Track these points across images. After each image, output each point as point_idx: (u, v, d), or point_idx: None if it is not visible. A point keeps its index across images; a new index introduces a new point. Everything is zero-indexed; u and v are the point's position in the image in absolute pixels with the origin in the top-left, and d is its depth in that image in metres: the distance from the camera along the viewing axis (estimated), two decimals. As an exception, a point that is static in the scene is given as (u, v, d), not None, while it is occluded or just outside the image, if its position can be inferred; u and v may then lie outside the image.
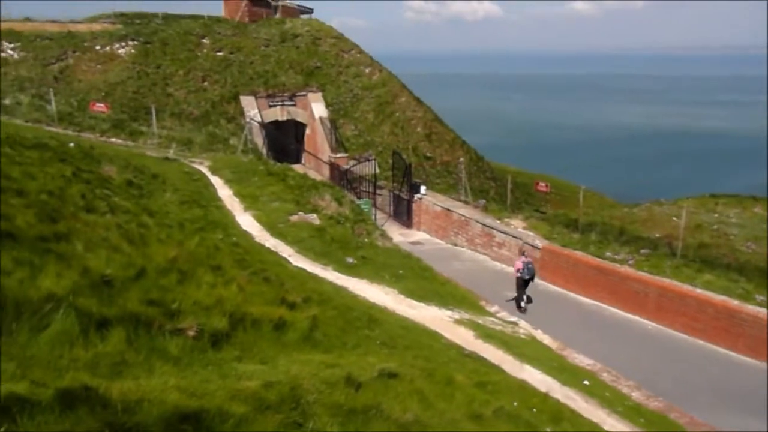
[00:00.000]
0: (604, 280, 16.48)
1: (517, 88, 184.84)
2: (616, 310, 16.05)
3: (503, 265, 20.09)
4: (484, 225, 21.17)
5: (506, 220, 21.52)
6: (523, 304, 15.64)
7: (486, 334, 11.28)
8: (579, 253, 17.59)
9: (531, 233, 19.78)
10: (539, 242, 18.85)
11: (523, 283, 15.53)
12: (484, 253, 21.13)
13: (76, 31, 32.38)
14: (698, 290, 14.47)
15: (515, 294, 15.89)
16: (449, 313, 12.42)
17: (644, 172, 68.69)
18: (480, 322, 12.36)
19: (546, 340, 12.52)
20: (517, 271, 15.43)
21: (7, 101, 25.13)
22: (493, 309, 14.45)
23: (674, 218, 20.27)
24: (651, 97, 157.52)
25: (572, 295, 17.39)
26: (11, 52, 29.94)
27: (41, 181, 9.52)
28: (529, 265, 15.35)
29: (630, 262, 16.45)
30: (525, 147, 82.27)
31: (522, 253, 16.23)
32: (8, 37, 30.26)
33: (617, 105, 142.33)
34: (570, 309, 16.41)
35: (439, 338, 10.09)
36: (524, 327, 13.19)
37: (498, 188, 34.71)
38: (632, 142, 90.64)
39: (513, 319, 13.80)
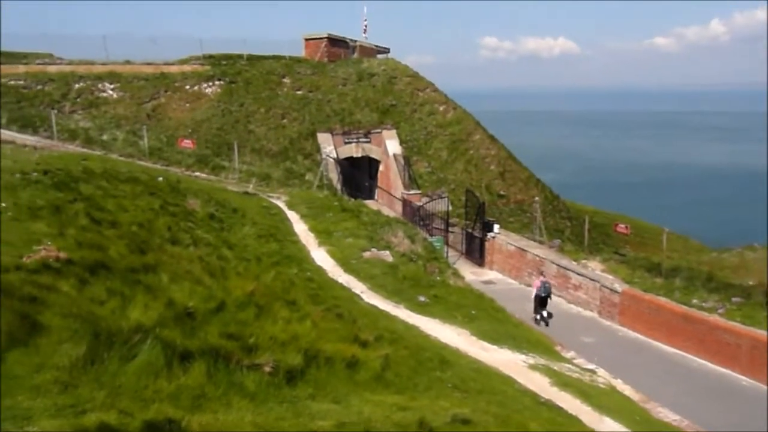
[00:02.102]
0: (690, 329, 15.51)
1: (594, 125, 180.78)
2: (704, 362, 15.02)
3: (579, 308, 19.36)
4: (559, 266, 20.54)
5: (583, 261, 20.80)
6: (540, 316, 17.73)
7: (562, 382, 10.80)
8: (663, 299, 16.70)
9: (610, 276, 19.00)
10: (619, 286, 18.05)
11: (540, 301, 17.67)
12: (559, 295, 20.43)
13: (168, 72, 34.57)
14: (798, 344, 13.36)
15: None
16: (523, 357, 12.01)
17: (733, 214, 64.76)
18: (556, 368, 11.87)
19: (627, 390, 11.84)
20: (536, 289, 17.63)
21: (104, 137, 26.99)
22: (569, 355, 13.88)
23: (769, 265, 18.95)
24: (736, 135, 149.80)
25: (655, 343, 16.46)
26: (111, 92, 32.28)
27: (132, 214, 10.08)
28: (546, 284, 17.64)
29: (720, 310, 15.44)
30: (602, 186, 79.77)
31: (540, 273, 19.11)
32: (109, 78, 32.69)
33: (700, 143, 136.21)
34: (653, 358, 15.50)
35: (512, 383, 9.74)
36: (603, 375, 12.54)
37: (574, 228, 33.70)
38: (718, 182, 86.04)
39: (591, 366, 13.16)
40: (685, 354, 15.55)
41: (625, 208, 50.14)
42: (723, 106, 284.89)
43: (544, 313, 17.83)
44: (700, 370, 14.74)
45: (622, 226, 24.79)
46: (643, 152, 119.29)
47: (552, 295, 18.13)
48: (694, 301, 16.26)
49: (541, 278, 18.10)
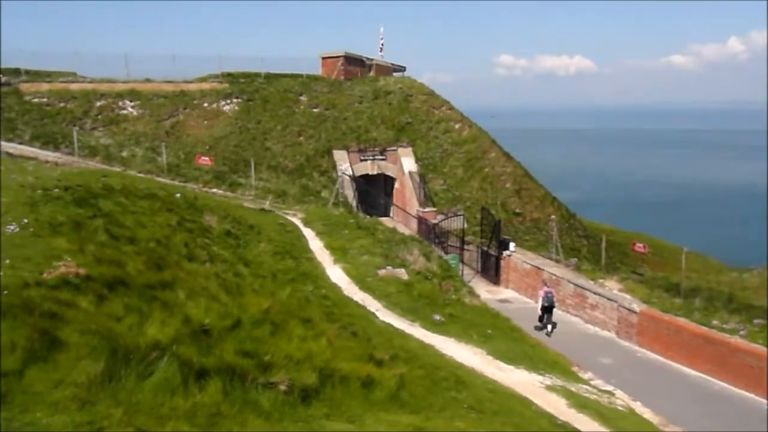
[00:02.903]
0: (711, 351, 15.21)
1: (611, 143, 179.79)
2: (725, 385, 14.70)
3: (597, 329, 19.10)
4: (576, 285, 20.33)
5: (600, 281, 20.56)
6: (549, 327, 18.18)
7: (580, 404, 10.63)
8: (682, 320, 16.42)
9: (627, 296, 18.75)
10: (637, 306, 17.80)
11: (545, 311, 18.13)
12: (576, 315, 20.21)
13: (187, 90, 35.12)
14: (823, 368, 13.05)
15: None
16: (540, 378, 11.86)
17: (753, 233, 63.68)
18: (573, 389, 11.70)
19: (646, 413, 11.61)
20: (541, 299, 18.18)
21: (124, 153, 27.38)
22: (586, 376, 13.67)
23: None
24: (756, 153, 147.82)
25: (674, 364, 16.16)
26: (131, 109, 32.84)
27: (150, 230, 10.18)
28: (549, 295, 18.11)
29: (742, 332, 15.13)
30: (619, 204, 78.99)
31: (544, 283, 19.29)
32: (130, 96, 33.29)
33: (718, 161, 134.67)
34: (672, 380, 15.21)
35: (529, 405, 9.62)
36: (622, 397, 12.33)
37: (590, 247, 33.38)
38: (738, 201, 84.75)
39: (609, 387, 12.95)
40: (706, 376, 15.24)
41: (642, 227, 49.58)
42: (743, 124, 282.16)
43: (548, 326, 18.31)
44: (722, 393, 14.43)
45: (640, 245, 24.50)
46: (661, 170, 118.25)
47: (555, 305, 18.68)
48: (715, 322, 15.95)
49: (545, 288, 18.53)
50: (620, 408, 11.59)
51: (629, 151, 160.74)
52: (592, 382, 13.16)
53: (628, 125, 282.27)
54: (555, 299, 18.54)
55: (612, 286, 19.97)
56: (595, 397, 11.79)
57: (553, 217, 30.29)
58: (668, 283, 19.74)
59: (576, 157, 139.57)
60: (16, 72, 31.98)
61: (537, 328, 18.27)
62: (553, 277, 21.34)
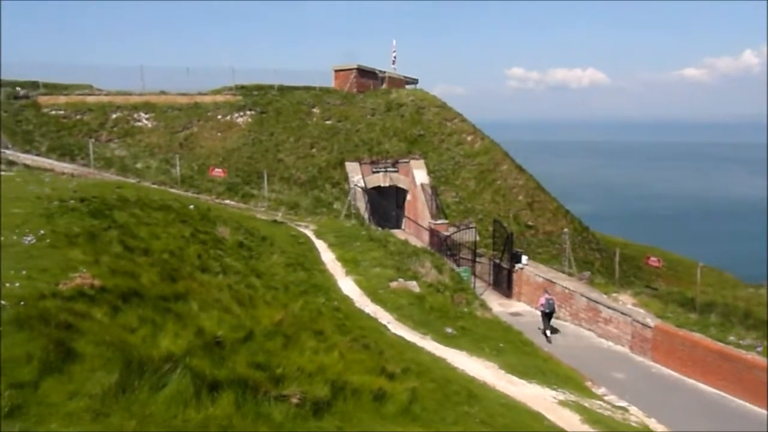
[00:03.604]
0: (727, 367, 14.99)
1: (624, 156, 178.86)
2: (742, 402, 14.47)
3: (610, 343, 18.91)
4: (589, 299, 20.16)
5: (614, 295, 20.38)
6: (548, 333, 18.88)
7: (593, 419, 10.51)
8: (697, 335, 16.21)
9: (642, 311, 18.57)
10: (651, 321, 17.61)
11: (545, 316, 18.90)
12: (589, 329, 20.02)
13: (201, 102, 35.49)
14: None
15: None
16: (552, 392, 11.75)
17: (771, 248, 62.91)
18: (586, 405, 11.57)
19: (661, 430, 11.46)
20: (541, 305, 19.02)
21: (138, 165, 27.68)
22: (600, 391, 13.52)
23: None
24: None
25: (689, 380, 15.94)
26: (146, 121, 33.21)
27: (164, 241, 10.25)
28: (550, 301, 18.93)
29: (758, 348, 14.90)
30: (633, 217, 78.52)
31: (545, 290, 20.16)
32: (145, 108, 33.70)
33: (733, 175, 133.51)
34: (688, 397, 15.00)
35: (541, 420, 9.53)
36: (636, 413, 12.16)
37: (604, 260, 33.14)
38: (753, 215, 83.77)
39: (623, 403, 12.79)
40: (722, 393, 15.01)
41: (656, 241, 49.19)
42: (757, 137, 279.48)
43: (547, 332, 18.99)
44: (738, 410, 14.20)
45: (654, 259, 24.30)
46: (675, 183, 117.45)
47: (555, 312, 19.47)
48: (731, 338, 15.74)
49: (546, 296, 19.29)
50: (634, 424, 11.44)
51: (643, 163, 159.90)
52: (605, 398, 13.01)
53: (641, 138, 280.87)
54: (555, 306, 19.31)
55: (626, 300, 19.79)
56: (609, 413, 11.65)
57: (566, 230, 30.13)
58: (683, 298, 19.54)
59: (589, 170, 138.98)
60: (35, 85, 32.50)
61: (547, 338, 18.80)
62: (566, 291, 21.19)
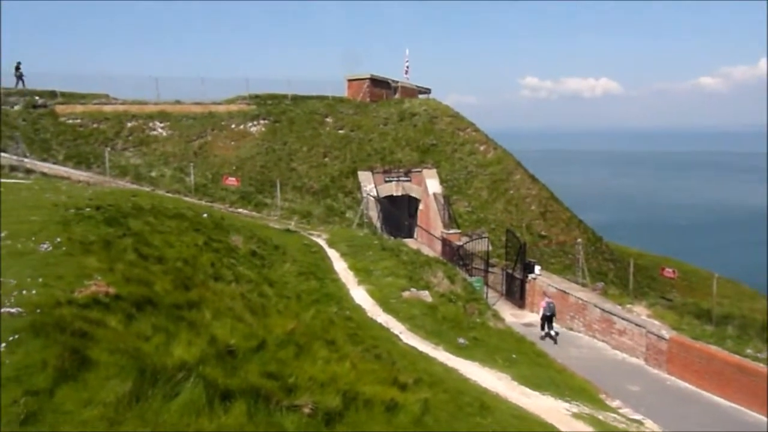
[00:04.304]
0: (745, 381, 14.76)
1: (638, 165, 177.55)
2: (760, 416, 14.23)
3: (625, 355, 18.70)
4: (603, 310, 19.98)
5: (628, 306, 20.18)
6: (550, 332, 19.66)
7: (607, 432, 10.39)
8: (714, 348, 15.99)
9: (656, 322, 18.35)
10: (666, 333, 17.40)
11: (546, 319, 19.61)
12: (603, 340, 19.83)
13: (215, 111, 35.79)
14: None
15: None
16: (566, 405, 11.62)
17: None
18: (600, 417, 11.43)
19: (676, 444, 11.30)
20: (542, 309, 19.72)
21: (153, 173, 27.94)
22: (614, 404, 13.37)
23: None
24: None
25: (705, 394, 15.72)
26: (161, 130, 33.54)
27: (178, 249, 10.31)
28: (551, 305, 19.61)
29: (776, 361, 14.69)
30: (647, 227, 77.73)
31: (545, 294, 21.18)
32: (160, 117, 34.04)
33: (750, 184, 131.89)
34: (704, 410, 14.77)
35: (555, 432, 9.43)
36: (651, 427, 12.00)
37: (617, 271, 32.84)
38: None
39: (638, 416, 12.63)
40: (739, 407, 14.78)
41: (671, 251, 48.66)
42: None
43: (552, 332, 19.75)
44: (755, 424, 13.95)
45: (669, 270, 24.04)
46: (689, 193, 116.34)
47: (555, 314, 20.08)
48: (748, 350, 15.51)
49: (546, 299, 20.17)
50: (650, 438, 11.29)
51: (656, 173, 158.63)
52: (620, 411, 12.86)
53: (655, 147, 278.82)
54: (555, 308, 19.93)
55: (640, 311, 19.59)
56: (624, 426, 11.50)
57: (579, 240, 29.93)
58: (699, 310, 19.32)
59: (602, 179, 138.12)
60: (52, 94, 32.96)
61: (542, 338, 19.48)
62: (580, 302, 21.02)
